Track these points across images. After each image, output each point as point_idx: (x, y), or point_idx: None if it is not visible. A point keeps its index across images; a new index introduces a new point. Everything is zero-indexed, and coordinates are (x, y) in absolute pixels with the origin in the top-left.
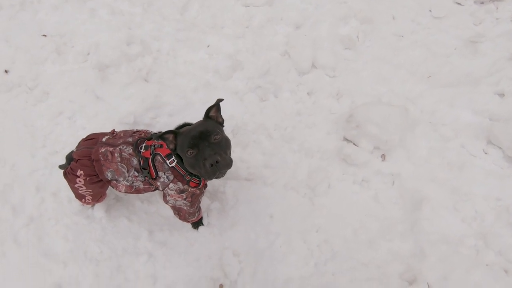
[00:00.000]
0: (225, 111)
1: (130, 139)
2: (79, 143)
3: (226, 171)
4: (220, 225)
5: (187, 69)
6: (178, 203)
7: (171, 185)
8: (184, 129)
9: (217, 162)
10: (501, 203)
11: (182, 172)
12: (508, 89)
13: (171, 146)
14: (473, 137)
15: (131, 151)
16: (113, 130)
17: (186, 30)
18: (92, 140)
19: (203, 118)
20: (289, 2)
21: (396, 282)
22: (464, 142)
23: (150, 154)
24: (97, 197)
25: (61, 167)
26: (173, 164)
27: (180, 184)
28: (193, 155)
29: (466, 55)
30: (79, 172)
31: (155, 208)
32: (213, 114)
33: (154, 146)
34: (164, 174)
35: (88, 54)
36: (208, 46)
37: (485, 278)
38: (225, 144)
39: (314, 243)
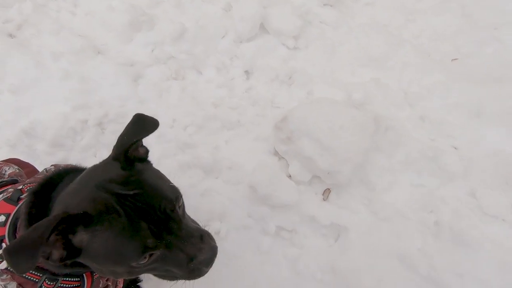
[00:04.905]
0: (95, 93)
1: None
2: None
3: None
4: None
5: (81, 25)
6: None
7: None
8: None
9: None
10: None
11: (36, 277)
12: None
13: (56, 256)
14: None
15: None
16: None
17: None
18: None
19: (119, 162)
20: None
21: None
22: (474, 185)
23: None
24: None
25: None
26: None
27: None
28: (156, 257)
29: None
30: None
31: None
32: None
33: None
34: None
35: None
36: None
37: None
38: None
39: None
